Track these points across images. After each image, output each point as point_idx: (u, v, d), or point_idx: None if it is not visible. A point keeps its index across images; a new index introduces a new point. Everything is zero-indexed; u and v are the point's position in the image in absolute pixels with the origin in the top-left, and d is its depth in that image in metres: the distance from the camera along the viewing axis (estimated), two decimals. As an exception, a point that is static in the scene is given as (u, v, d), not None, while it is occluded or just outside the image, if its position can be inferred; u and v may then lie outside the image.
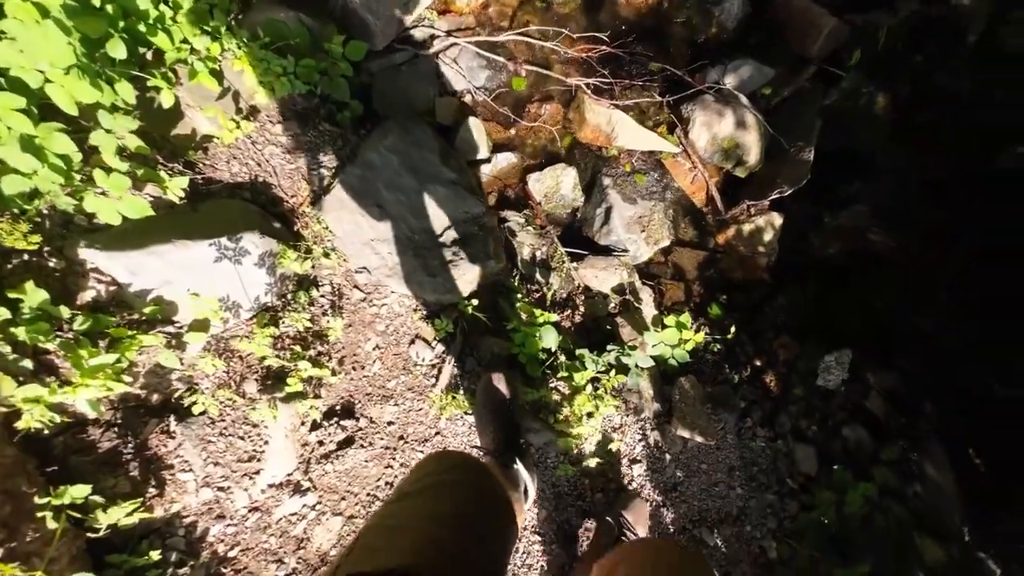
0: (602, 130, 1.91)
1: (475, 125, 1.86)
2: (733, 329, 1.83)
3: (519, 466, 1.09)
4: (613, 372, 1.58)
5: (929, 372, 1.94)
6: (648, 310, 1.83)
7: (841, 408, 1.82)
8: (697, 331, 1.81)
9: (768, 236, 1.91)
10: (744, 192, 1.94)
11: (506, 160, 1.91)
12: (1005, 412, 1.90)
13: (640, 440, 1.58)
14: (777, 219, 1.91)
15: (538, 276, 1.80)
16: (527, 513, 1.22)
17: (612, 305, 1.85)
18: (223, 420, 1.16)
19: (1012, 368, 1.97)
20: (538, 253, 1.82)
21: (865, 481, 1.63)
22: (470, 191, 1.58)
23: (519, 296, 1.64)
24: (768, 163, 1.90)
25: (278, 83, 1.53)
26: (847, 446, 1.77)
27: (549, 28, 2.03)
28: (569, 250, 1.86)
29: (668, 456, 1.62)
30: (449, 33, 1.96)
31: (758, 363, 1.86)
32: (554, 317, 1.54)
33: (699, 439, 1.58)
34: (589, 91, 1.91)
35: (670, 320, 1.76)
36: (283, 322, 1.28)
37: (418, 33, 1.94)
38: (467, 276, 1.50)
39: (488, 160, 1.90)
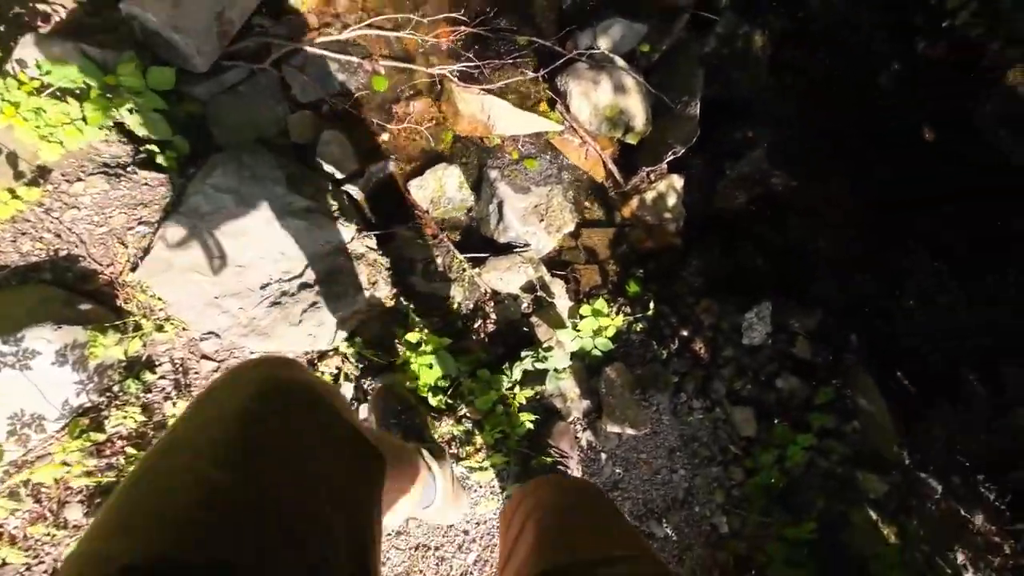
0: (478, 119, 1.73)
1: (334, 138, 1.64)
2: (652, 304, 1.73)
3: (426, 455, 0.94)
4: (519, 388, 1.44)
5: (845, 304, 1.93)
6: (563, 303, 1.71)
7: (770, 360, 1.77)
8: (616, 314, 1.70)
9: (672, 200, 1.81)
10: (640, 159, 1.83)
11: (380, 171, 1.71)
12: (918, 328, 1.92)
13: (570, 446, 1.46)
14: (677, 181, 1.81)
15: (438, 292, 1.63)
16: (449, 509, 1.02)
17: (524, 305, 1.70)
18: (41, 562, 0.94)
19: (915, 284, 1.99)
20: (434, 266, 1.65)
21: (804, 432, 1.59)
22: (332, 217, 1.38)
23: (415, 320, 1.47)
24: (656, 124, 1.78)
25: (67, 134, 1.26)
26: (781, 398, 1.72)
27: (400, 16, 1.81)
28: (469, 256, 1.69)
29: (604, 455, 1.51)
30: (290, 39, 1.71)
31: (684, 333, 1.78)
32: (447, 340, 1.38)
33: (630, 431, 1.48)
34: (456, 79, 1.72)
35: (586, 310, 1.64)
36: (110, 422, 1.06)
37: (251, 44, 1.67)
38: (341, 313, 1.31)
39: (360, 174, 1.68)
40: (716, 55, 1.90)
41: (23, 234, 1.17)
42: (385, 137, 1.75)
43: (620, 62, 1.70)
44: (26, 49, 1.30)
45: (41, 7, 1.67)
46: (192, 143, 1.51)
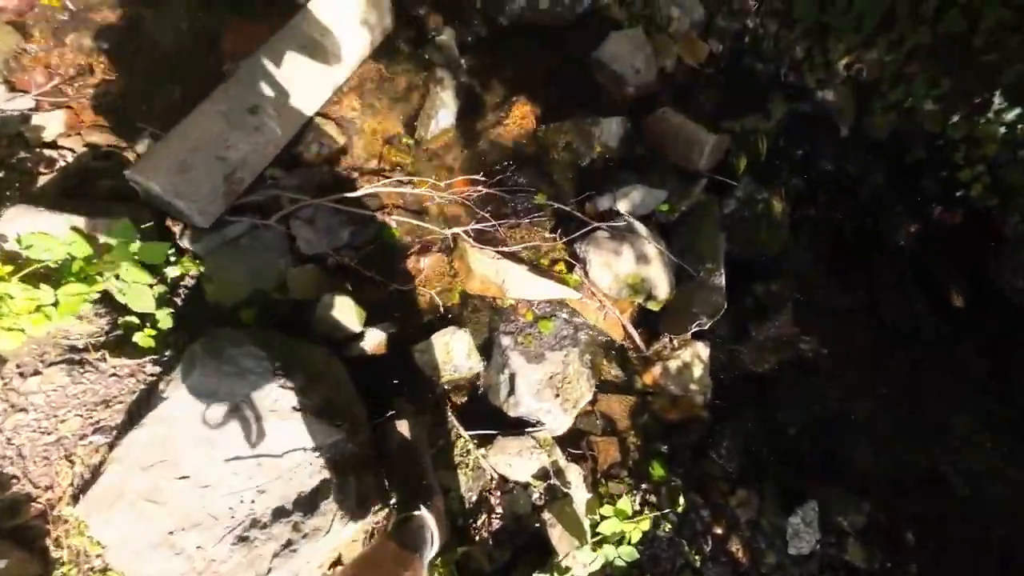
0: (492, 281, 1.62)
1: (339, 301, 1.51)
2: (682, 499, 1.50)
3: (423, 512, 1.06)
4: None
5: (893, 482, 1.71)
6: (580, 493, 1.48)
7: (821, 571, 1.51)
8: (640, 506, 1.47)
9: (698, 371, 1.66)
10: (663, 324, 1.70)
11: (383, 333, 1.56)
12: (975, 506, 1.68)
13: None
14: (703, 350, 1.67)
15: (437, 485, 1.40)
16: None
17: (536, 496, 1.47)
18: None
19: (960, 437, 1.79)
20: (425, 451, 1.43)
21: None
22: (321, 414, 1.19)
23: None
24: (681, 290, 1.68)
25: (33, 322, 1.10)
26: (840, 621, 1.44)
27: (416, 170, 1.77)
28: (475, 433, 1.50)
29: None
30: (300, 189, 1.65)
31: (718, 531, 1.53)
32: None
33: None
34: (470, 239, 1.63)
35: (607, 510, 1.41)
36: None
37: (260, 197, 1.60)
38: (331, 541, 1.08)
39: (360, 336, 1.53)
40: (737, 216, 1.85)
41: (-53, 449, 0.97)
42: (391, 294, 1.62)
43: (642, 230, 1.63)
44: (10, 224, 1.18)
45: (48, 152, 1.62)
46: (179, 309, 1.37)
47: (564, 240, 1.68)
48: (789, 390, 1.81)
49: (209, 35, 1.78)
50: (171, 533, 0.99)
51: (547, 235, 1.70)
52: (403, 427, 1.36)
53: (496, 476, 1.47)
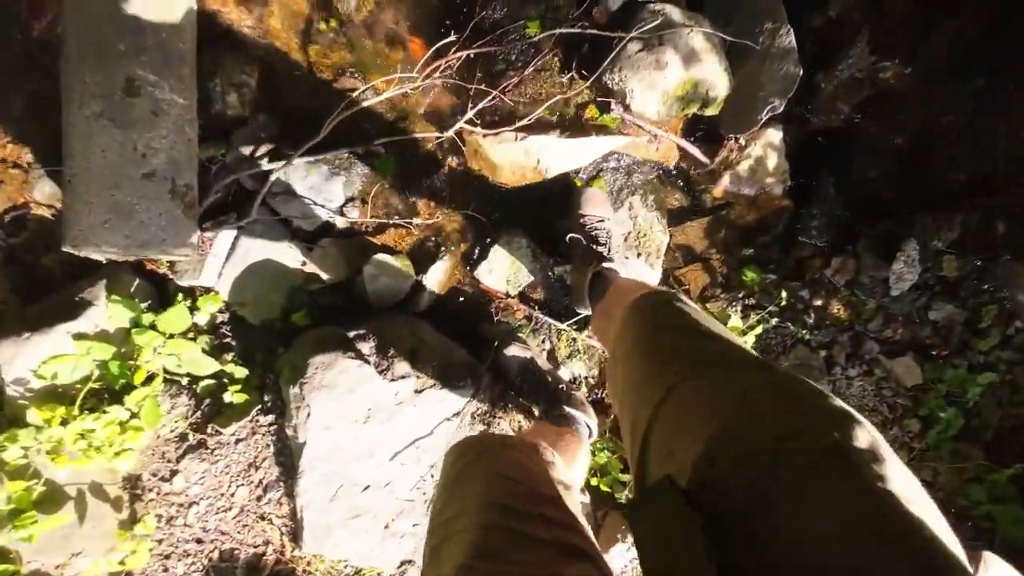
0: (523, 165, 1.35)
1: (378, 265, 1.33)
2: (783, 293, 1.52)
3: (569, 410, 1.13)
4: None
5: (983, 180, 1.64)
6: (688, 330, 1.51)
7: (919, 293, 1.58)
8: (744, 316, 1.52)
9: (772, 161, 1.46)
10: (725, 124, 1.43)
11: (439, 272, 1.42)
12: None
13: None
14: (775, 136, 1.44)
15: (567, 383, 1.46)
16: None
17: (648, 348, 1.53)
18: None
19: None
20: (541, 360, 1.45)
21: (980, 369, 1.48)
22: (442, 381, 1.17)
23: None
24: (741, 74, 1.35)
25: (129, 440, 1.05)
26: (939, 330, 1.58)
27: (375, 81, 1.32)
28: (572, 321, 1.48)
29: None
30: (252, 158, 1.30)
31: (818, 303, 1.58)
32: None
33: None
34: (477, 128, 1.30)
35: (719, 333, 1.45)
36: None
37: (221, 193, 1.28)
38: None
39: (420, 287, 1.41)
40: (786, -70, 1.33)
41: (167, 557, 1.05)
42: (421, 230, 1.41)
43: (676, 15, 1.22)
44: (9, 368, 1.01)
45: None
46: (237, 348, 1.26)
47: (586, 75, 1.30)
48: (868, 132, 1.60)
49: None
50: (387, 527, 1.11)
51: (562, 76, 1.32)
52: (512, 350, 1.35)
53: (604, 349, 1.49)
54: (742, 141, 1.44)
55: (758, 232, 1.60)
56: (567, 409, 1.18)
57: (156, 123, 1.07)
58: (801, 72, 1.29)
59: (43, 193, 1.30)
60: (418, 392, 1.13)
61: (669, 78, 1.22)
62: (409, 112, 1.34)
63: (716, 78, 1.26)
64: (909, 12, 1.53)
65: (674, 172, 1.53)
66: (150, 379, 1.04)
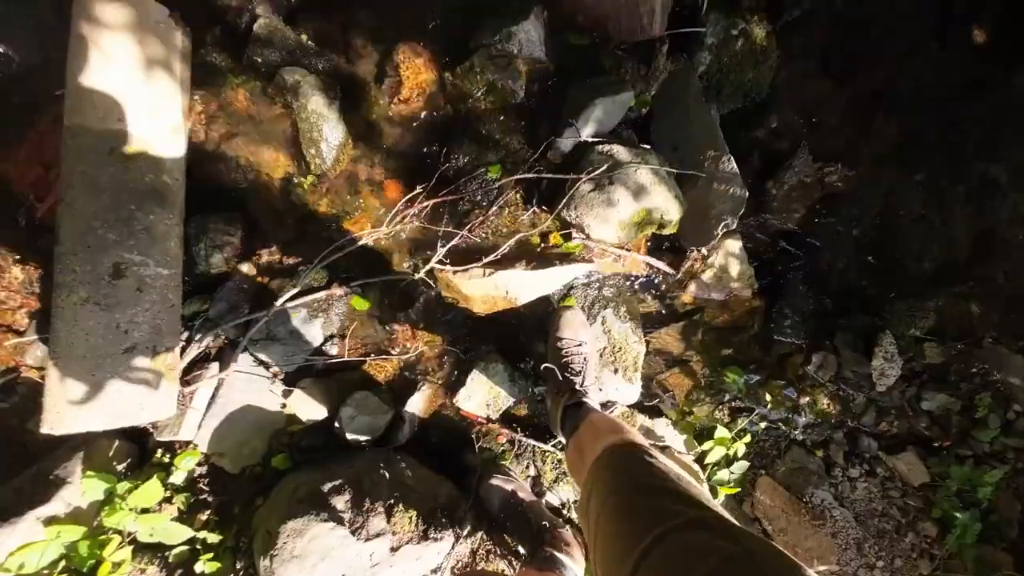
0: (494, 295, 1.40)
1: (358, 403, 1.34)
2: (768, 396, 1.50)
3: (554, 553, 1.08)
4: None
5: (950, 266, 1.66)
6: (676, 442, 1.48)
7: (907, 384, 1.56)
8: (734, 423, 1.48)
9: (736, 268, 1.51)
10: (685, 238, 1.50)
11: (419, 402, 1.42)
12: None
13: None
14: (734, 245, 1.49)
15: (551, 516, 1.41)
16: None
17: (638, 463, 1.48)
18: None
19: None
20: (525, 491, 1.40)
21: (987, 460, 1.41)
22: (423, 531, 1.12)
23: None
24: (692, 195, 1.43)
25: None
26: (936, 419, 1.53)
27: (357, 234, 1.41)
28: (557, 441, 1.45)
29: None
30: (233, 311, 1.35)
31: (805, 399, 1.55)
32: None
33: (822, 568, 1.31)
34: (445, 266, 1.36)
35: (707, 444, 1.42)
36: None
37: (199, 349, 1.32)
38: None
39: (401, 420, 1.40)
40: (715, 70, 1.49)
41: None
42: (399, 363, 1.43)
43: (624, 156, 1.32)
44: None
45: None
46: (212, 502, 1.23)
47: (546, 209, 1.39)
48: (826, 227, 1.66)
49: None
50: None
51: (523, 211, 1.41)
52: (494, 481, 1.31)
53: (595, 466, 1.45)
54: (704, 252, 1.49)
55: (734, 332, 1.61)
56: (551, 552, 1.12)
57: (140, 298, 1.13)
58: (747, 194, 1.37)
59: (35, 358, 1.35)
60: (394, 550, 1.08)
61: (622, 211, 1.30)
62: (384, 252, 1.41)
63: (667, 205, 1.34)
64: (844, 118, 1.66)
65: (643, 280, 1.58)
66: (118, 565, 1.01)
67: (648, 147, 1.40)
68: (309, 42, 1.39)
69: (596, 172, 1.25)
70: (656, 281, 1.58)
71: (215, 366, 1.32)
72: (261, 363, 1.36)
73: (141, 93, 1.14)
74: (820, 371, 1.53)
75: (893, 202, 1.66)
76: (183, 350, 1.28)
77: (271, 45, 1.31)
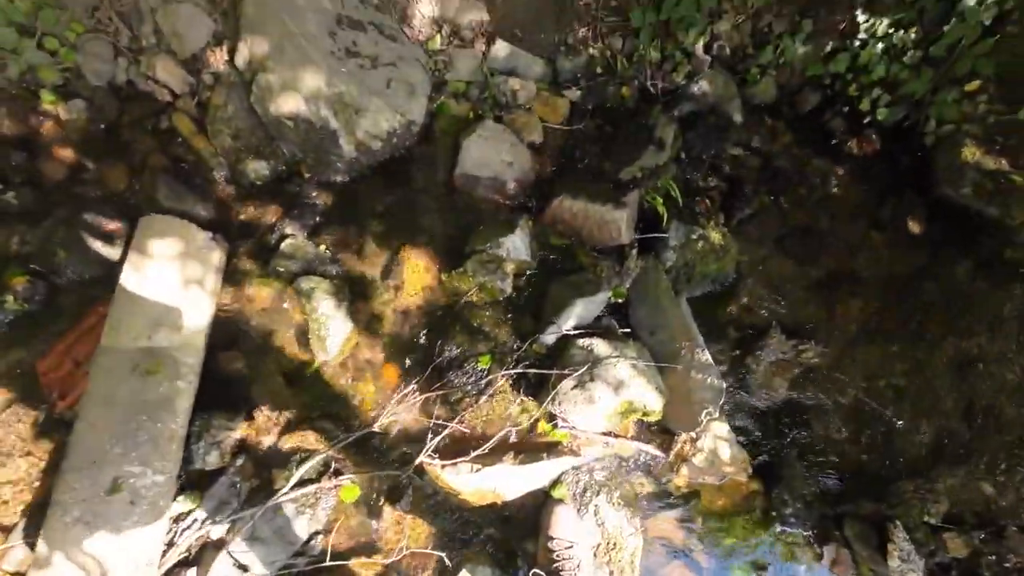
0: (482, 491, 1.38)
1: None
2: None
3: None
4: None
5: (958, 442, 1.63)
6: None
7: (935, 586, 1.41)
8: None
9: (726, 451, 1.49)
10: (672, 422, 1.51)
11: (401, 614, 1.30)
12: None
13: None
14: (722, 428, 1.51)
15: None
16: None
17: None
18: None
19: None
20: None
21: None
22: None
23: None
24: (672, 383, 1.49)
25: None
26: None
27: (351, 430, 1.48)
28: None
29: None
30: (222, 508, 1.34)
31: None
32: None
33: None
34: (435, 462, 1.38)
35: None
36: None
37: (184, 553, 1.29)
38: None
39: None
40: (681, 264, 1.66)
41: None
42: (385, 566, 1.36)
43: (602, 348, 1.42)
44: None
45: None
46: None
47: (533, 398, 1.45)
48: (811, 402, 1.68)
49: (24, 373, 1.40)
50: None
51: (512, 399, 1.47)
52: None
53: None
54: (693, 435, 1.50)
55: (736, 518, 1.53)
56: None
57: (131, 511, 1.15)
58: (724, 384, 1.43)
59: (14, 561, 1.31)
60: None
61: (604, 406, 1.36)
62: (375, 444, 1.45)
63: (647, 397, 1.40)
64: (809, 295, 1.79)
65: (635, 462, 1.56)
66: None
67: (628, 336, 1.51)
68: (327, 251, 1.61)
69: (577, 373, 1.34)
70: (648, 463, 1.56)
71: (192, 571, 1.27)
72: (241, 566, 1.31)
73: (174, 310, 1.30)
74: (835, 569, 1.42)
75: (874, 376, 1.70)
76: (164, 553, 1.25)
77: (293, 258, 1.53)
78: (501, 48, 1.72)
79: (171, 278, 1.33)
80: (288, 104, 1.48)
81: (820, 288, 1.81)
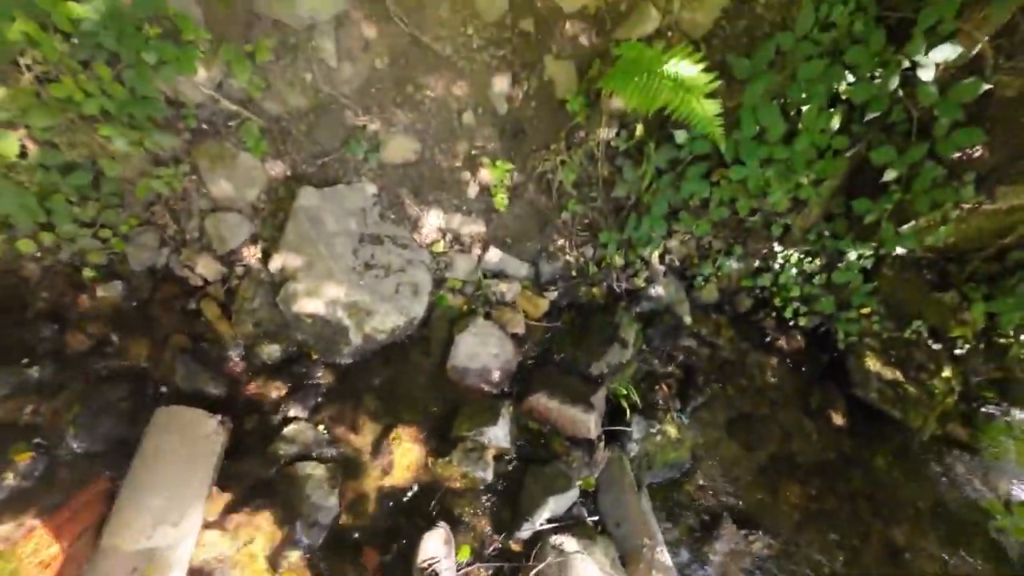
0: None
1: None
2: None
3: None
4: None
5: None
6: None
7: None
8: None
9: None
10: (634, 621, 1.59)
11: None
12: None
13: None
14: (682, 628, 1.59)
15: None
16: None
17: None
18: None
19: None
20: None
21: None
22: None
23: None
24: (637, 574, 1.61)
25: None
26: None
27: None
28: None
29: None
30: None
31: None
32: None
33: None
34: (410, 668, 1.40)
35: None
36: None
37: None
38: None
39: None
40: (642, 453, 1.88)
41: None
42: None
43: (571, 545, 1.55)
44: None
45: None
46: None
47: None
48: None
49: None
50: None
51: (487, 598, 1.54)
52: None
53: None
54: (655, 634, 1.58)
55: None
56: None
57: None
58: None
59: None
60: None
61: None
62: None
63: (614, 600, 1.50)
64: (755, 479, 2.00)
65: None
66: None
67: (596, 524, 1.66)
68: (324, 432, 1.76)
69: (547, 563, 1.46)
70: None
71: None
72: None
73: (175, 509, 1.39)
74: None
75: (818, 565, 1.86)
76: None
77: (294, 443, 1.67)
78: (493, 254, 2.07)
79: (178, 473, 1.44)
80: (309, 306, 1.73)
81: (765, 472, 2.03)
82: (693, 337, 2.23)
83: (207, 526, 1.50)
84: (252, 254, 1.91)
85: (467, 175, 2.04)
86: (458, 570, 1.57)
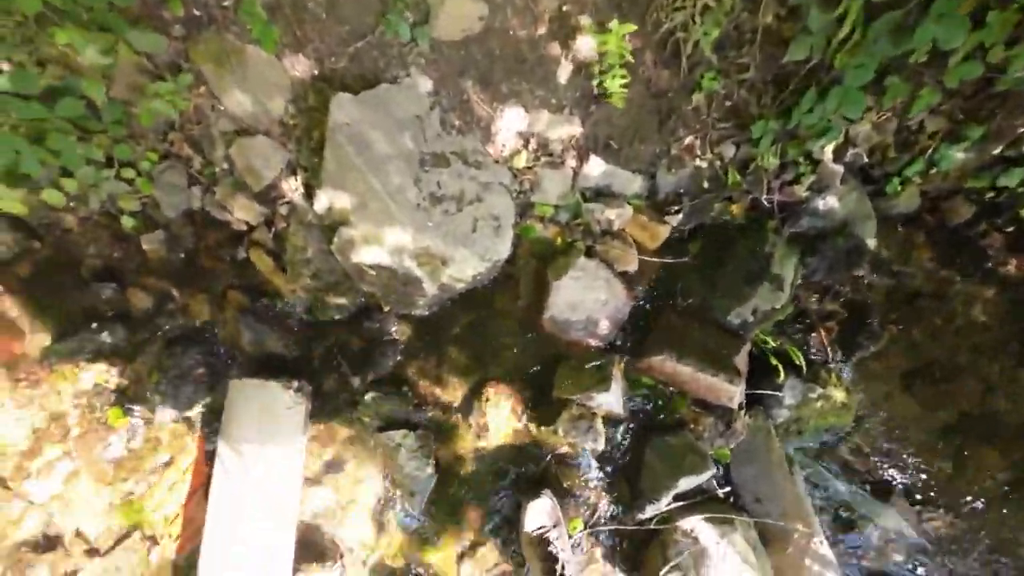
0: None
1: None
2: None
3: None
4: None
5: None
6: None
7: None
8: None
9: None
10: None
11: None
12: None
13: None
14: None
15: None
16: None
17: None
18: None
19: None
20: None
21: None
22: None
23: None
24: (778, 563, 1.37)
25: None
26: None
27: None
28: None
29: None
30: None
31: None
32: None
33: None
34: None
35: None
36: None
37: None
38: None
39: None
40: (793, 420, 1.49)
41: None
42: None
43: (706, 535, 1.31)
44: None
45: None
46: None
47: (625, 570, 1.37)
48: None
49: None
50: None
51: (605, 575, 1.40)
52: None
53: None
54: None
55: None
56: None
57: None
58: (846, 584, 1.29)
59: None
60: None
61: (712, 603, 1.26)
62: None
63: (759, 592, 1.29)
64: (935, 443, 1.57)
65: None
66: None
67: (731, 507, 1.39)
68: (409, 394, 1.55)
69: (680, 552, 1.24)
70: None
71: None
72: None
73: (271, 495, 1.29)
74: None
75: (1016, 551, 1.50)
76: None
77: (378, 410, 1.48)
78: (595, 165, 1.51)
79: (268, 458, 1.31)
80: (370, 257, 1.38)
81: (949, 436, 1.59)
82: (870, 264, 1.62)
83: (308, 483, 1.43)
84: (293, 188, 1.52)
85: (556, 48, 1.39)
86: (572, 543, 1.41)
